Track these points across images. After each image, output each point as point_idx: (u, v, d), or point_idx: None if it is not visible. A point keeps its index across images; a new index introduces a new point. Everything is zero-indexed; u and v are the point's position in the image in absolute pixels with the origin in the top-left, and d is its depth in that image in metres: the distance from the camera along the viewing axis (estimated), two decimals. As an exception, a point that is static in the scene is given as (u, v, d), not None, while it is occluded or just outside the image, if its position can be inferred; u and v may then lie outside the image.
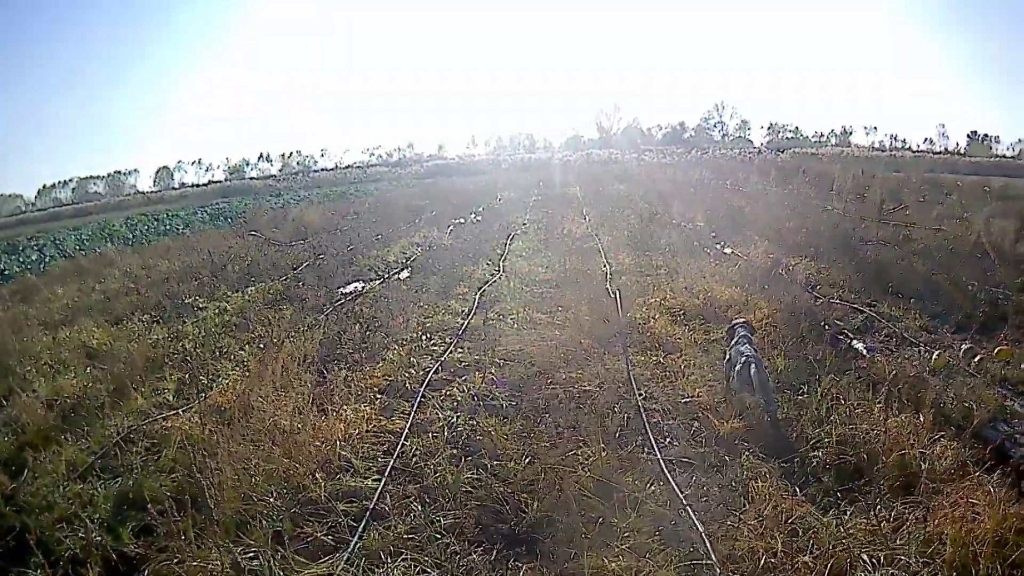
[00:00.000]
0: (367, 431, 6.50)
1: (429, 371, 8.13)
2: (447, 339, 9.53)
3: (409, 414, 6.94)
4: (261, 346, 8.92)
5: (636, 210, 21.73)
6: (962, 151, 66.80)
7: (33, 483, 5.96)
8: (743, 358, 6.97)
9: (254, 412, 6.54)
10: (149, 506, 5.00)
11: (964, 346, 8.70)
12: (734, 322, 7.87)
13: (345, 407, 6.86)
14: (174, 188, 71.87)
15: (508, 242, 18.12)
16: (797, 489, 5.44)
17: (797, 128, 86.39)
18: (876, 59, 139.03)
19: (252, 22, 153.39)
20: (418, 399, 7.32)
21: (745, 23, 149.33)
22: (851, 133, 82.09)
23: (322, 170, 72.01)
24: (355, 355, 8.76)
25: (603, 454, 5.86)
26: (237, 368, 8.51)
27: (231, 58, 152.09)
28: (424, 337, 9.52)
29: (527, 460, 6.00)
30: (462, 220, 23.43)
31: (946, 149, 68.82)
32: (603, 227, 19.42)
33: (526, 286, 12.65)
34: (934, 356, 8.45)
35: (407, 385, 7.77)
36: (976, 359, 8.38)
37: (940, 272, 11.67)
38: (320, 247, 17.89)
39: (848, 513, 5.12)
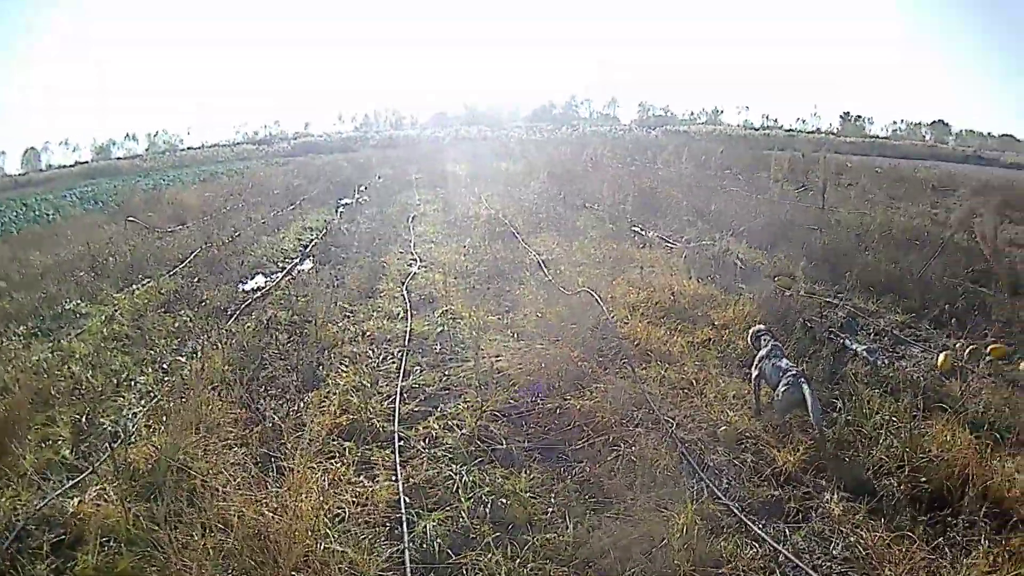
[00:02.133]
0: (351, 501, 4.93)
1: (394, 401, 6.69)
2: (393, 350, 8.12)
3: (395, 470, 5.46)
4: (165, 367, 7.21)
5: (532, 190, 20.88)
6: (836, 131, 71.31)
7: None
8: (786, 376, 6.18)
9: (187, 480, 4.89)
10: None
11: (968, 346, 8.44)
12: (757, 329, 7.07)
13: (306, 463, 5.25)
14: (41, 170, 66.05)
15: (411, 226, 16.94)
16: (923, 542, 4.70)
17: (668, 106, 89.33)
18: (750, 42, 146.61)
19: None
20: (397, 445, 5.86)
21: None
22: (721, 112, 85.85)
23: (188, 149, 68.66)
24: (288, 378, 7.14)
25: (687, 516, 4.75)
26: (144, 402, 6.68)
27: (95, 35, 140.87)
28: (368, 350, 8.03)
29: (575, 527, 4.80)
30: (349, 201, 22.46)
31: (818, 129, 73.23)
32: (508, 208, 18.41)
33: (456, 279, 11.37)
34: (940, 358, 8.15)
35: (374, 423, 6.21)
36: (984, 360, 8.21)
37: (898, 263, 11.58)
38: (205, 234, 15.75)
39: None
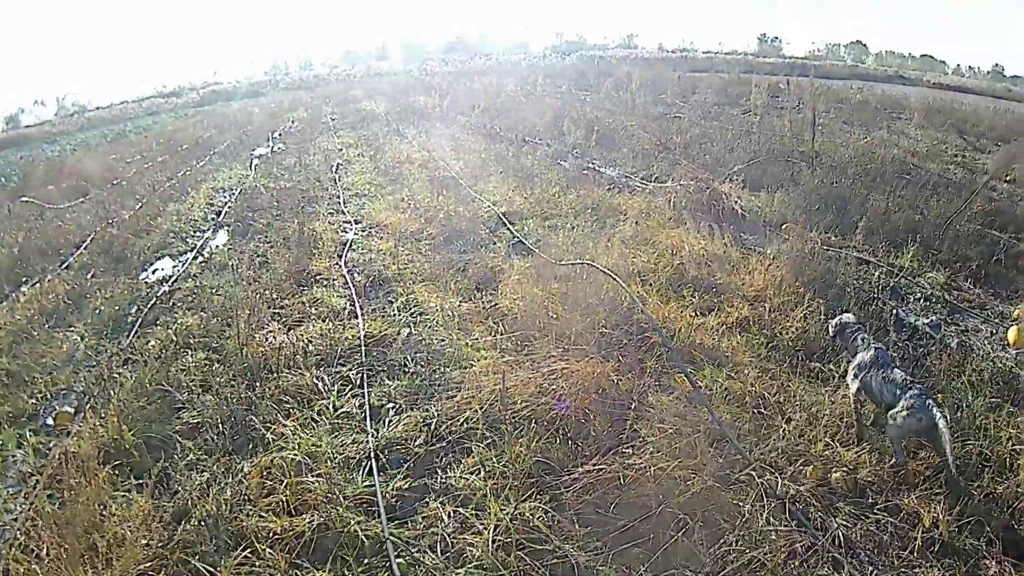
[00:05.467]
0: None
1: (371, 472, 4.71)
2: (349, 372, 6.08)
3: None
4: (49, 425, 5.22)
5: (463, 126, 18.85)
6: (754, 52, 70.42)
7: None
8: (908, 395, 4.68)
9: None
10: None
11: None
12: (843, 321, 5.51)
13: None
14: (-52, 144, 59.05)
15: (336, 176, 14.52)
16: None
17: (580, 33, 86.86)
18: None
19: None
20: (395, 568, 3.91)
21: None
22: (636, 36, 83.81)
23: (97, 109, 62.92)
24: (212, 431, 5.17)
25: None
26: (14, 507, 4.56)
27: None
28: (314, 379, 5.89)
29: None
30: (263, 151, 20.10)
31: (735, 51, 72.22)
32: (441, 149, 16.26)
33: (404, 246, 9.23)
34: (1012, 333, 6.94)
35: (349, 523, 4.17)
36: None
37: (906, 206, 10.29)
38: (107, 208, 12.96)
39: None
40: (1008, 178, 12.51)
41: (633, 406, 5.22)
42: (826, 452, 4.87)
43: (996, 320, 7.37)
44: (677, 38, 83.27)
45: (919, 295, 7.82)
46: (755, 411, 5.30)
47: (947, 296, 7.82)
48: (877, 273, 8.18)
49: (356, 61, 72.58)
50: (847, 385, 5.19)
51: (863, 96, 26.52)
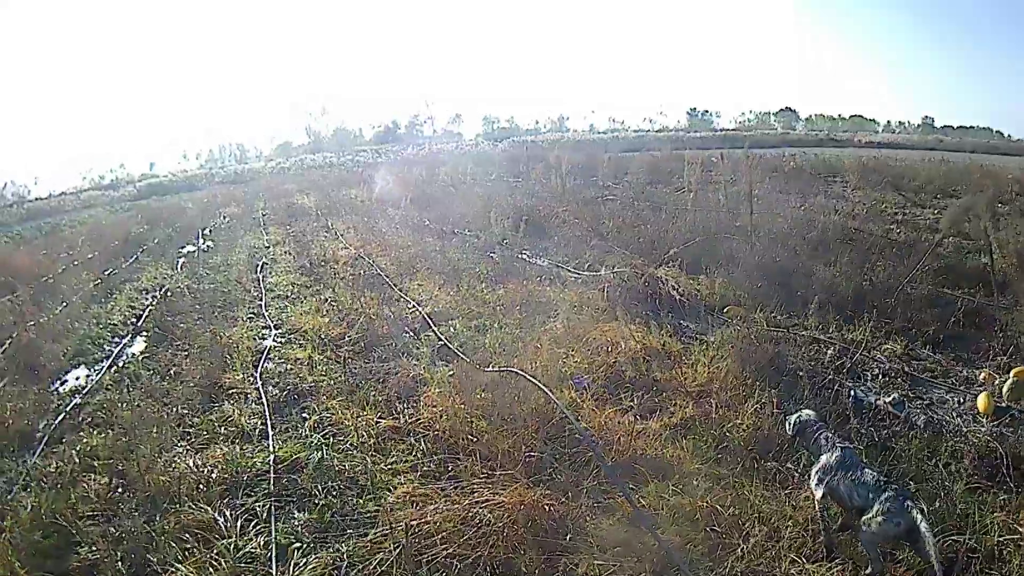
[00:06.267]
0: None
1: None
2: (256, 505, 5.43)
3: None
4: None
5: (392, 219, 18.64)
6: (684, 127, 72.68)
7: None
8: (883, 497, 4.17)
9: None
10: None
11: (1004, 379, 6.86)
12: (802, 418, 4.98)
13: None
14: None
15: (260, 276, 14.18)
16: None
17: (512, 118, 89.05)
18: (590, 46, 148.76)
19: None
20: None
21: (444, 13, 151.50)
22: (567, 119, 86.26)
23: (37, 200, 63.07)
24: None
25: None
26: None
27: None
28: (217, 513, 5.24)
29: None
30: (191, 248, 20.43)
31: (665, 127, 74.40)
32: (369, 244, 16.01)
33: (324, 355, 8.76)
34: (980, 400, 6.56)
35: None
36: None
37: (852, 274, 10.02)
38: (29, 308, 12.48)
39: None
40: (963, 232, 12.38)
41: (568, 537, 4.62)
42: (792, 571, 4.30)
43: (962, 388, 6.99)
44: (607, 118, 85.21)
45: (877, 371, 7.42)
46: (708, 530, 4.68)
47: (906, 368, 7.42)
48: (829, 352, 7.77)
49: (290, 153, 74.43)
50: (811, 490, 4.66)
51: (796, 163, 27.12)
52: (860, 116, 73.55)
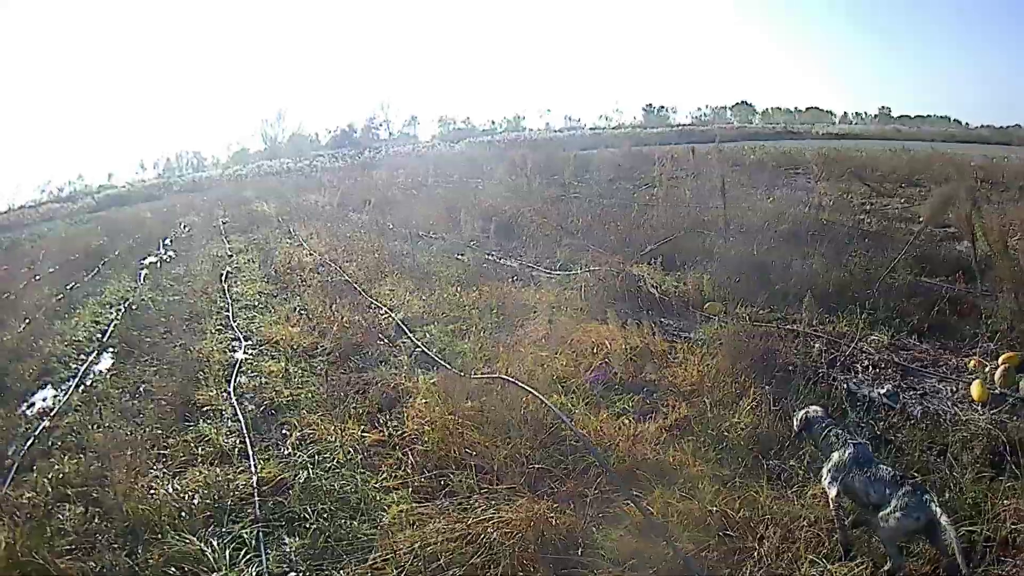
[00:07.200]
0: None
1: None
2: (242, 530, 5.21)
3: None
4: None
5: (355, 224, 18.53)
6: (640, 124, 72.92)
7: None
8: (900, 492, 4.17)
9: None
10: None
11: (995, 365, 6.93)
12: (810, 414, 4.92)
13: None
14: None
15: (225, 286, 13.88)
16: None
17: (468, 118, 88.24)
18: (543, 43, 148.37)
19: None
20: None
21: (396, 14, 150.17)
22: (524, 119, 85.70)
23: None
24: None
25: None
26: None
27: None
28: (202, 543, 4.98)
29: None
30: (153, 259, 20.22)
31: (622, 124, 74.49)
32: (334, 250, 15.84)
33: (297, 366, 8.60)
34: (974, 388, 6.60)
35: None
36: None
37: (830, 265, 10.09)
38: None
39: None
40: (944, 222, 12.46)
41: (580, 551, 4.51)
42: (812, 573, 4.25)
43: (953, 376, 7.02)
44: (563, 116, 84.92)
45: (866, 362, 7.44)
46: (721, 535, 4.60)
47: (895, 359, 7.46)
48: (817, 345, 7.78)
49: (247, 160, 73.25)
50: (824, 487, 4.62)
51: (757, 156, 27.35)
52: (816, 108, 74.56)
